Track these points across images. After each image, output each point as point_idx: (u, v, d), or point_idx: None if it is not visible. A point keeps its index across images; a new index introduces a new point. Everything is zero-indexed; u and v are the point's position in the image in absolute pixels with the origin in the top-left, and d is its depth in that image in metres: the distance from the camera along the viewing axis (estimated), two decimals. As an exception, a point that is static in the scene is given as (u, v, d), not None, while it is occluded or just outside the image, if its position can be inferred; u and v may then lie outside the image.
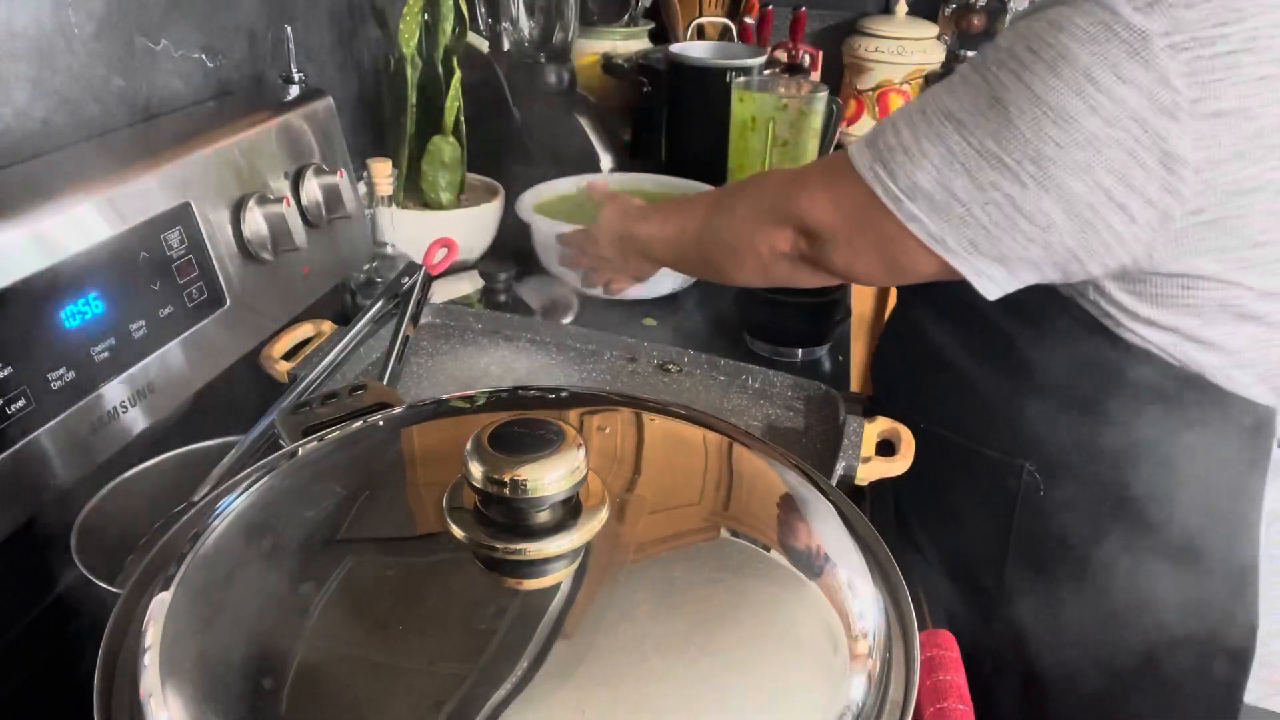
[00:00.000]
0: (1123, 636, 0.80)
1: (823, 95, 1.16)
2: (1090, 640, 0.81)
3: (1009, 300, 0.69)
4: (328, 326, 0.88)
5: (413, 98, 1.13)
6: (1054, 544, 0.80)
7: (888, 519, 0.90)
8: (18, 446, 0.59)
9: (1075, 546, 0.79)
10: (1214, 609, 0.80)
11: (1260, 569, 0.81)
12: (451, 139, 1.15)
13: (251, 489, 0.46)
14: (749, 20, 1.80)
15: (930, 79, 1.84)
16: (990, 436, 0.80)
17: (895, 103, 1.85)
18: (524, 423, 0.40)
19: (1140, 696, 0.82)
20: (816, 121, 1.16)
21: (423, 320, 0.95)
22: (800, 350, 1.05)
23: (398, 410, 0.54)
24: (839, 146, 1.30)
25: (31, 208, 0.62)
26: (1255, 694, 0.86)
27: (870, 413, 0.79)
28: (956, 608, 0.83)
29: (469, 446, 0.39)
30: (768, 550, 0.44)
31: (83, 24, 0.74)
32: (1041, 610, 0.81)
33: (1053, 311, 0.72)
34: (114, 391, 0.66)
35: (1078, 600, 0.80)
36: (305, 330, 0.87)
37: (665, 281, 1.18)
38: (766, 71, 1.48)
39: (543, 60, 1.41)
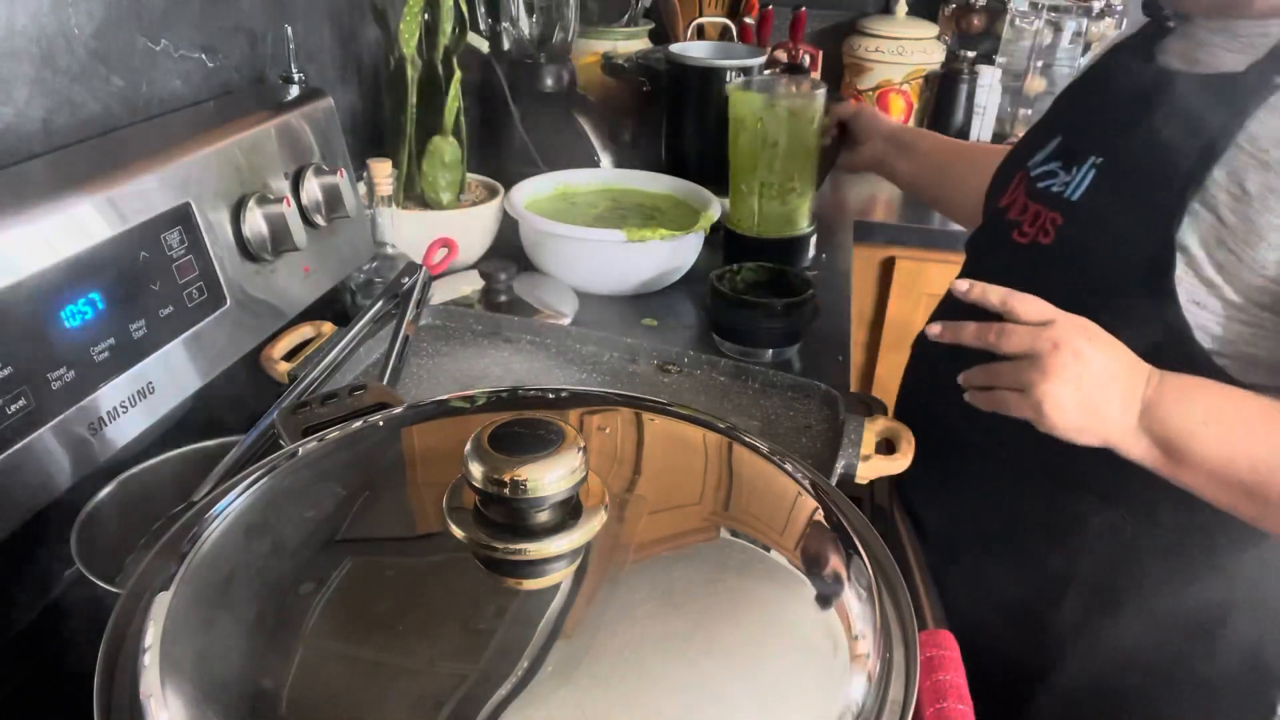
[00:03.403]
0: (1180, 661, 0.78)
1: (818, 93, 1.14)
2: (1143, 664, 0.79)
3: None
4: (328, 327, 0.88)
5: (413, 98, 1.13)
6: (1128, 583, 0.78)
7: (890, 519, 0.90)
8: (18, 446, 0.59)
9: (1148, 577, 0.77)
10: (1269, 628, 0.78)
11: None
12: (451, 139, 1.15)
13: (251, 489, 0.46)
14: (749, 20, 1.80)
15: (930, 79, 1.85)
16: (1054, 458, 0.73)
17: (895, 102, 1.85)
18: (524, 423, 0.40)
19: (1186, 713, 0.81)
20: (810, 122, 1.15)
21: (423, 321, 0.95)
22: (770, 351, 1.03)
23: (398, 410, 0.54)
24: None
25: (31, 208, 0.62)
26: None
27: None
28: (980, 616, 0.80)
29: (469, 446, 0.40)
30: (767, 550, 0.44)
31: (83, 24, 0.74)
32: (1096, 636, 0.80)
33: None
34: (114, 391, 0.66)
35: (1137, 628, 0.78)
36: (305, 331, 0.87)
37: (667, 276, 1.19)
38: (766, 71, 1.48)
39: (543, 60, 1.41)
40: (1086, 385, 0.64)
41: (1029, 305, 0.66)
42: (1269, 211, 0.63)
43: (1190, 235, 0.67)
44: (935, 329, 0.71)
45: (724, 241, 1.24)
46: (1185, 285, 0.67)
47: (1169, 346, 0.67)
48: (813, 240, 1.26)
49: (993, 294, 0.68)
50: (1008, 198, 0.84)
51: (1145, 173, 0.70)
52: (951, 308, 0.92)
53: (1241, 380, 0.67)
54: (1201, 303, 0.67)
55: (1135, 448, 0.65)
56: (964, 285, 0.69)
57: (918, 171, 1.11)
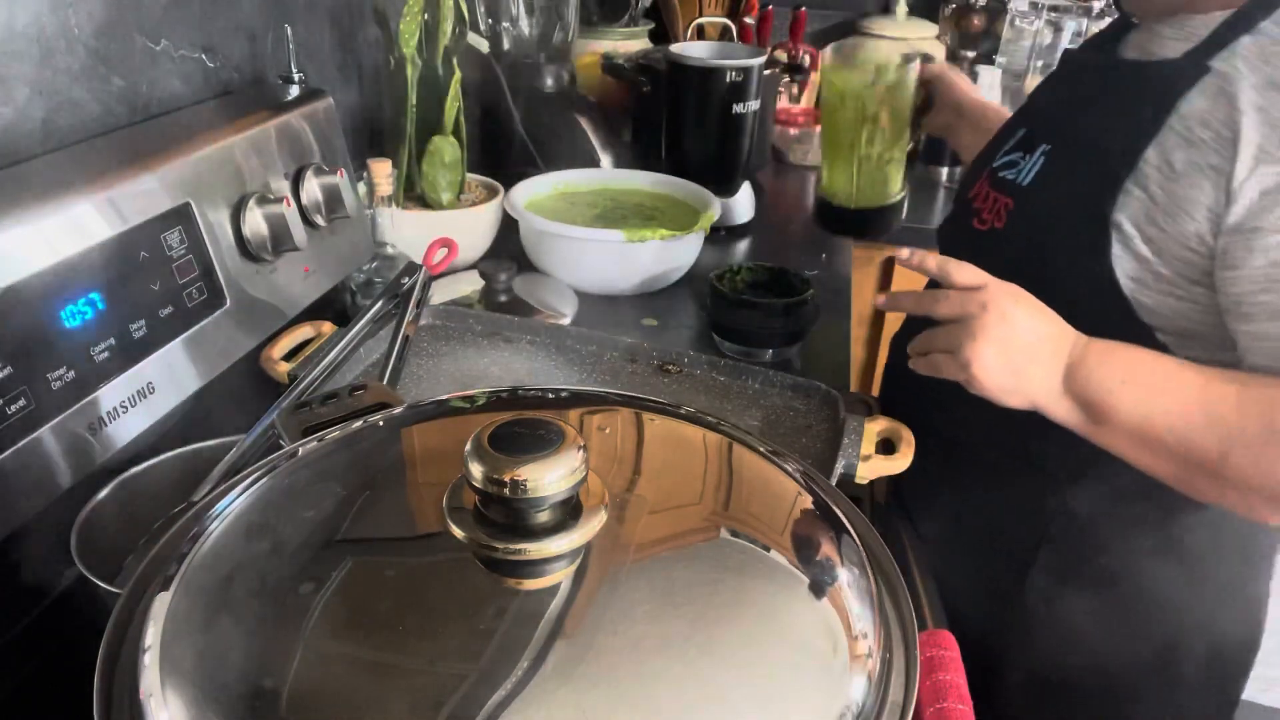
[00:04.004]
0: (1138, 640, 0.80)
1: (914, 65, 1.10)
2: (1104, 643, 0.81)
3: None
4: (328, 327, 0.88)
5: (413, 98, 1.13)
6: (1088, 551, 0.79)
7: (890, 519, 0.90)
8: (18, 446, 0.59)
9: (1106, 554, 0.79)
10: (1227, 609, 0.80)
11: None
12: (451, 139, 1.15)
13: (251, 489, 0.46)
14: (749, 20, 1.80)
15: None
16: (1015, 442, 0.78)
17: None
18: (524, 423, 0.40)
19: (1147, 695, 0.82)
20: (908, 94, 1.11)
21: (423, 321, 0.95)
22: (770, 351, 1.03)
23: (398, 410, 0.54)
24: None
25: (31, 208, 0.62)
26: (1248, 690, 0.86)
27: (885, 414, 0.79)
28: (965, 608, 0.82)
29: (469, 446, 0.40)
30: (767, 550, 0.44)
31: (83, 24, 0.74)
32: (1060, 614, 0.81)
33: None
34: (114, 391, 0.66)
35: (1098, 605, 0.80)
36: (305, 331, 0.87)
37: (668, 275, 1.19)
38: (767, 71, 1.48)
39: (543, 60, 1.41)
40: (1012, 347, 0.66)
41: (962, 272, 0.68)
42: (1192, 186, 0.65)
43: (1123, 214, 0.68)
44: (880, 299, 0.75)
45: (819, 214, 1.19)
46: (1122, 263, 0.69)
47: (1111, 324, 0.69)
48: (905, 204, 1.24)
49: (930, 260, 0.71)
50: (975, 189, 0.87)
51: (1085, 156, 0.73)
52: (928, 285, 0.93)
53: (1182, 355, 0.68)
54: (1138, 278, 0.69)
55: (1059, 409, 0.67)
56: (905, 253, 0.74)
57: (978, 144, 1.10)
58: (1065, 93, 0.81)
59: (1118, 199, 0.69)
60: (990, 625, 0.84)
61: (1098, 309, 0.70)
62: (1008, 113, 1.11)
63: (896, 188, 1.19)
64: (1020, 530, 0.82)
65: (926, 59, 1.13)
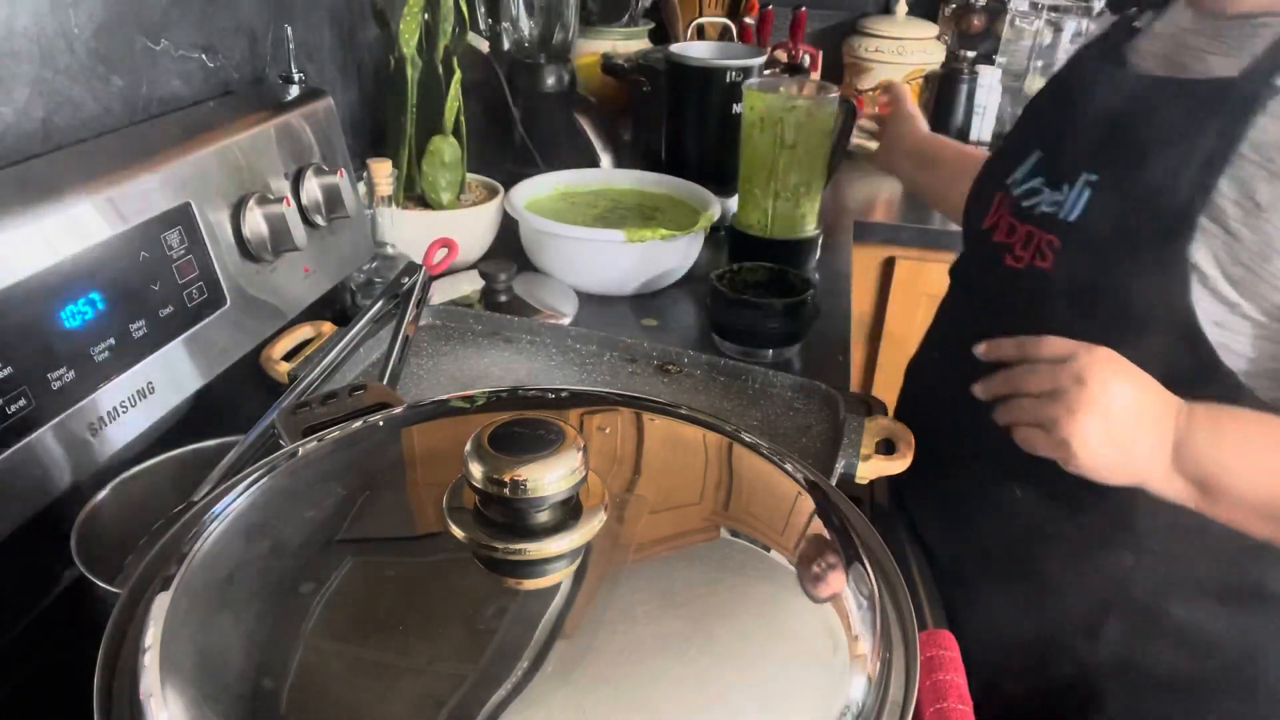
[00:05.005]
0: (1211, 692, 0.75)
1: (833, 96, 1.15)
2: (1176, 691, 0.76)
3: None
4: (328, 327, 0.88)
5: (413, 98, 1.13)
6: (1160, 614, 0.74)
7: (890, 519, 0.90)
8: (18, 446, 0.59)
9: (1182, 607, 0.73)
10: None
11: None
12: (451, 139, 1.15)
13: (251, 489, 0.46)
14: (749, 20, 1.80)
15: (930, 79, 1.85)
16: (1060, 491, 0.71)
17: (895, 103, 1.85)
18: (524, 423, 0.40)
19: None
20: (826, 124, 1.15)
21: (423, 321, 0.95)
22: (770, 351, 1.03)
23: (398, 410, 0.54)
24: (849, 153, 1.29)
25: (31, 208, 0.62)
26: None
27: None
28: (1013, 666, 0.77)
29: (469, 447, 0.40)
30: (767, 550, 0.44)
31: (83, 24, 0.74)
32: (1130, 667, 0.76)
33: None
34: (114, 391, 0.66)
35: (1179, 658, 0.75)
36: (305, 331, 0.87)
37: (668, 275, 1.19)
38: (767, 71, 1.48)
39: (543, 60, 1.41)
40: (1115, 422, 0.60)
41: (1047, 346, 0.63)
42: None
43: (1202, 253, 0.63)
44: (982, 348, 0.68)
45: (731, 242, 1.24)
46: (1204, 306, 0.64)
47: (1193, 371, 0.64)
48: (819, 242, 1.26)
49: (1006, 346, 0.65)
50: (991, 219, 0.80)
51: (1146, 188, 0.66)
52: (946, 321, 0.89)
53: (1270, 397, 0.64)
54: (1222, 323, 0.64)
55: (1168, 487, 0.61)
56: (982, 348, 0.67)
57: (934, 184, 1.10)
58: (1089, 113, 0.73)
59: (1194, 237, 0.63)
60: (1049, 685, 0.79)
61: (1178, 357, 0.64)
62: (965, 149, 1.10)
63: (812, 223, 1.21)
64: (1075, 592, 0.76)
65: (849, 105, 1.15)
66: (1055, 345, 0.62)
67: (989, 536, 0.80)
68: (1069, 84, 0.79)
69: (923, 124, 1.14)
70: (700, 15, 1.79)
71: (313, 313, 0.90)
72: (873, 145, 1.21)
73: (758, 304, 1.00)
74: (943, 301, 0.92)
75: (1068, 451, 0.61)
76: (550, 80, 1.41)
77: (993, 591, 0.81)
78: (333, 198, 0.90)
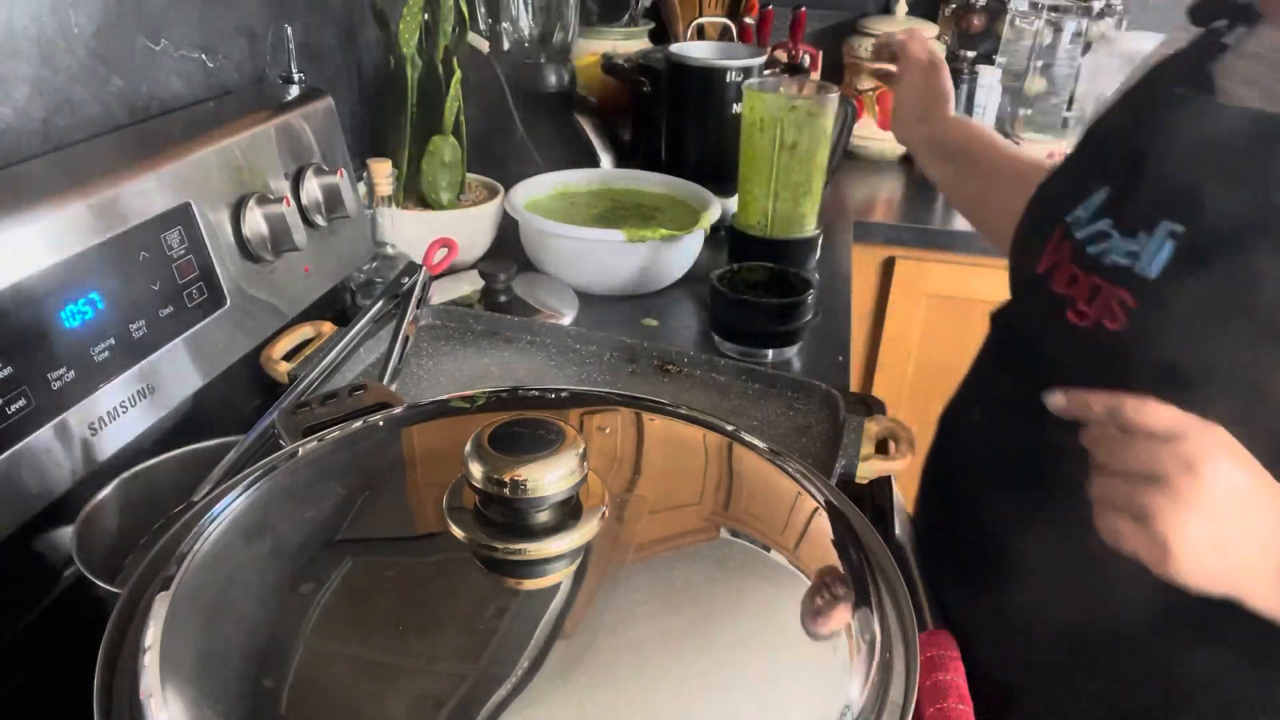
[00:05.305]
0: None
1: (833, 96, 1.15)
2: None
3: None
4: (328, 327, 0.88)
5: (413, 98, 1.13)
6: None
7: (892, 521, 0.90)
8: (18, 446, 0.59)
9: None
10: None
11: None
12: (451, 139, 1.15)
13: (251, 489, 0.46)
14: (749, 20, 1.80)
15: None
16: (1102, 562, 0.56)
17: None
18: (524, 423, 0.40)
19: None
20: (827, 124, 1.15)
21: (423, 321, 0.95)
22: (770, 351, 1.03)
23: (398, 410, 0.54)
24: (849, 153, 1.28)
25: (31, 208, 0.62)
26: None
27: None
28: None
29: (469, 447, 0.40)
30: (767, 550, 0.44)
31: (83, 24, 0.74)
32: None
33: None
34: (114, 391, 0.66)
35: None
36: (305, 331, 0.87)
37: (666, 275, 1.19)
38: (766, 72, 1.48)
39: (543, 60, 1.41)
40: (1224, 521, 0.49)
41: (1153, 415, 0.50)
42: None
43: None
44: (1058, 399, 0.55)
45: (731, 242, 1.24)
46: None
47: None
48: (819, 242, 1.26)
49: (1095, 404, 0.53)
50: (1047, 261, 0.67)
51: (1246, 247, 0.55)
52: (992, 377, 0.76)
53: None
54: None
55: (1274, 599, 0.50)
56: (1060, 400, 0.55)
57: (960, 184, 0.96)
58: (1172, 150, 0.61)
59: None
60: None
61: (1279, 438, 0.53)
62: (999, 141, 0.94)
63: (813, 223, 1.21)
64: (1131, 690, 0.64)
65: (849, 105, 1.14)
66: (1161, 416, 0.50)
67: (1042, 648, 0.67)
68: (1144, 110, 0.66)
69: (945, 80, 0.95)
70: (700, 15, 1.78)
71: (313, 313, 0.90)
72: (873, 146, 1.21)
73: (758, 304, 1.00)
74: (983, 350, 0.79)
75: (1164, 552, 0.49)
76: (550, 80, 1.41)
77: (1038, 701, 0.70)
78: (333, 198, 0.90)
